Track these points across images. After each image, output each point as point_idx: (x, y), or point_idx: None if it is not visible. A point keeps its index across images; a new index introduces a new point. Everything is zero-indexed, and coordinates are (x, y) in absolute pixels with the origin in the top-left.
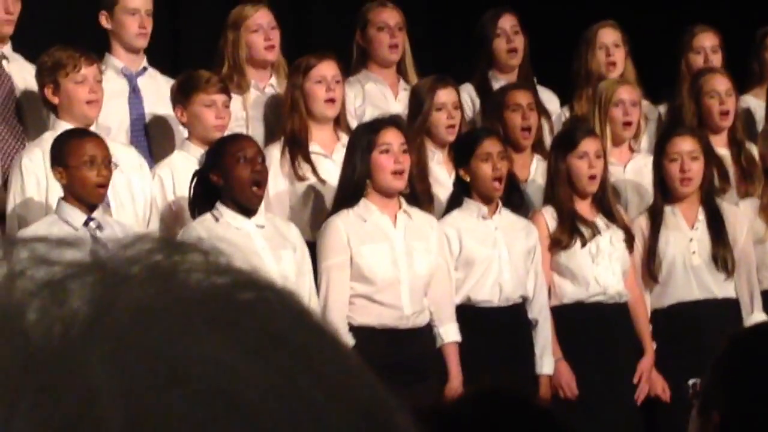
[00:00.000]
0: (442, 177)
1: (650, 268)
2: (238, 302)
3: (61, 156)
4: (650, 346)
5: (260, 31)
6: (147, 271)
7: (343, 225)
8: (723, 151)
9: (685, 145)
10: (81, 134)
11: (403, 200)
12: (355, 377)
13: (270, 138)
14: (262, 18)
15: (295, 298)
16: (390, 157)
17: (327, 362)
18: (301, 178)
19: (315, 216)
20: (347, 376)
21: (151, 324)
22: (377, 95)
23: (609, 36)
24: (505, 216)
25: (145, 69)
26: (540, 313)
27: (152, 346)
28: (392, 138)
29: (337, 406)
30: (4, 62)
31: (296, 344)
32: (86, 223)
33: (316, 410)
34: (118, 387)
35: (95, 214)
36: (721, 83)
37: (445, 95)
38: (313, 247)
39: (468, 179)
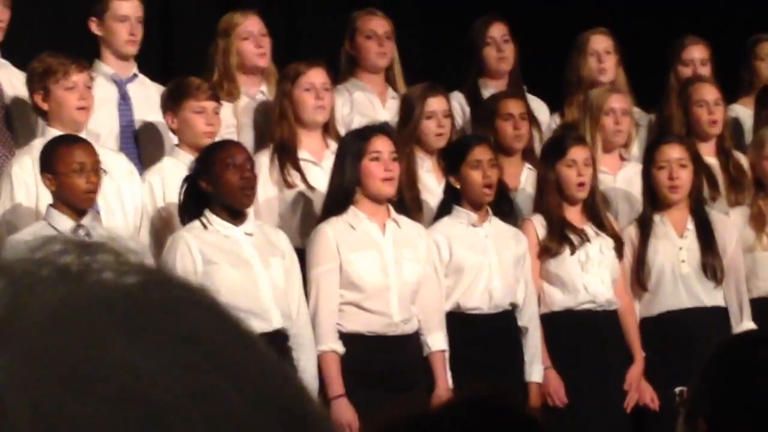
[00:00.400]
0: (431, 185)
1: (639, 276)
2: (150, 302)
3: (50, 162)
4: (640, 354)
5: (251, 38)
6: (57, 273)
7: (332, 232)
8: (711, 159)
9: (674, 152)
10: (70, 141)
11: (391, 208)
12: (270, 373)
13: (260, 145)
14: (252, 25)
15: (209, 295)
16: (380, 164)
17: (241, 359)
18: (290, 185)
19: (304, 223)
20: (262, 373)
21: (61, 328)
22: (365, 103)
23: (600, 43)
24: (495, 224)
25: (135, 75)
26: (530, 321)
27: (62, 350)
28: (382, 145)
29: (251, 403)
30: None
31: (210, 343)
32: (75, 230)
33: (231, 408)
34: (25, 393)
35: (84, 221)
36: (709, 93)
37: (435, 103)
38: (302, 254)
39: (458, 186)
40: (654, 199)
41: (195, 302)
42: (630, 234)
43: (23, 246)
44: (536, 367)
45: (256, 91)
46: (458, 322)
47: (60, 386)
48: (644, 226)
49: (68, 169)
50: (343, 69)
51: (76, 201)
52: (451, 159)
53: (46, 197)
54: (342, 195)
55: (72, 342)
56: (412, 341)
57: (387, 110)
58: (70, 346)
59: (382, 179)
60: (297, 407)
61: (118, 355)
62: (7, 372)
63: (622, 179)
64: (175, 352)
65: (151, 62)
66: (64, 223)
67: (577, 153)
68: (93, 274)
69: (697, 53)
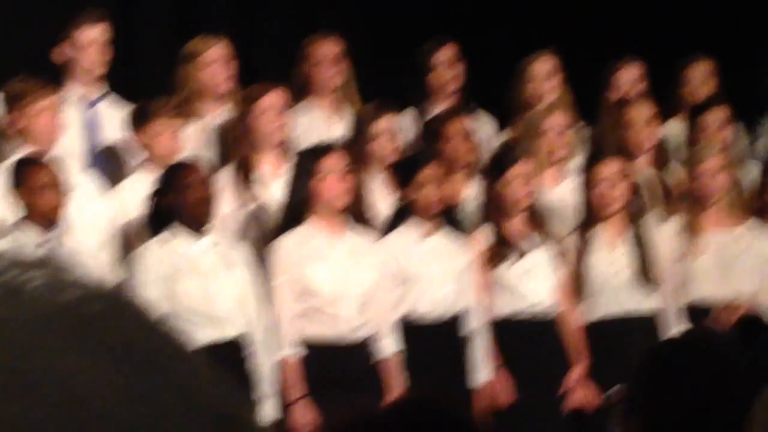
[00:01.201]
0: (381, 200)
1: (578, 284)
2: (87, 315)
3: (18, 180)
4: (582, 358)
5: (215, 64)
6: None
7: (288, 245)
8: (647, 172)
9: (609, 168)
10: (36, 159)
11: (346, 220)
12: (202, 379)
13: (222, 163)
14: (218, 51)
15: (142, 307)
16: (332, 180)
17: (174, 366)
18: (249, 201)
19: (263, 237)
20: (195, 378)
21: (3, 341)
22: (316, 124)
23: (542, 68)
24: (443, 235)
25: (102, 97)
26: (475, 329)
27: (3, 362)
28: (334, 162)
29: (185, 406)
30: None
31: (145, 351)
32: (41, 246)
33: (167, 411)
34: None
35: (50, 236)
36: (641, 112)
37: (385, 122)
38: (261, 267)
39: (408, 202)
40: (591, 212)
41: (130, 313)
42: (569, 244)
43: None
44: (481, 373)
45: (219, 112)
46: (406, 330)
47: (2, 394)
48: (582, 237)
49: (34, 186)
50: (295, 91)
51: (41, 217)
52: (401, 176)
53: (15, 214)
54: (297, 209)
55: (14, 354)
56: (367, 348)
57: (339, 129)
58: (12, 358)
59: (336, 194)
60: (228, 410)
61: (60, 363)
62: None
63: (561, 193)
64: (113, 359)
65: (116, 84)
66: (30, 238)
67: (519, 168)
68: (33, 291)
69: (629, 75)
